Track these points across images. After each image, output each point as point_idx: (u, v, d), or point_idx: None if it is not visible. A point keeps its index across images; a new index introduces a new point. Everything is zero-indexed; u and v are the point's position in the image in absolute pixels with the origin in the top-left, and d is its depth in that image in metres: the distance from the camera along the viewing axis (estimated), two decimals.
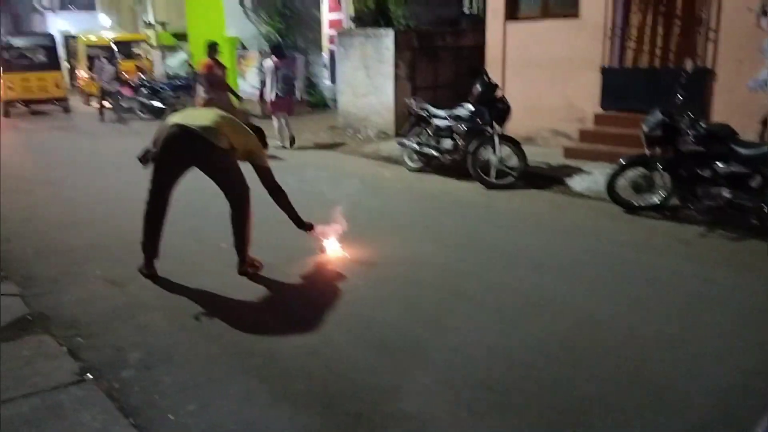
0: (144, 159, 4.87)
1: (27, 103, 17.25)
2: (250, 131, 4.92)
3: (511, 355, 3.68)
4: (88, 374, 3.46)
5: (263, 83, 11.08)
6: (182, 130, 4.57)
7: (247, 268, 4.94)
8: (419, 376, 3.46)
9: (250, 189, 4.85)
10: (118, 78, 15.00)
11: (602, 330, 3.97)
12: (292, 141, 11.04)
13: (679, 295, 4.50)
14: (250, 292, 4.65)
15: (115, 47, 18.53)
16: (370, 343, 3.84)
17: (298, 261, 5.22)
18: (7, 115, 16.84)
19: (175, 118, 4.72)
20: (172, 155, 4.65)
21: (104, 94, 15.05)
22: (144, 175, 4.87)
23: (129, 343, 3.86)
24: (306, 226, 5.24)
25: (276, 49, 11.32)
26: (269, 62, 11.01)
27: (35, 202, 7.53)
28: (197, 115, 4.77)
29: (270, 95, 10.92)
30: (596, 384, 3.34)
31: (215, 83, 10.42)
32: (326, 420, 3.06)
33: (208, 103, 9.90)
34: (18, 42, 17.72)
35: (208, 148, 4.56)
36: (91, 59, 19.37)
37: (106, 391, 3.30)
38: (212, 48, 10.58)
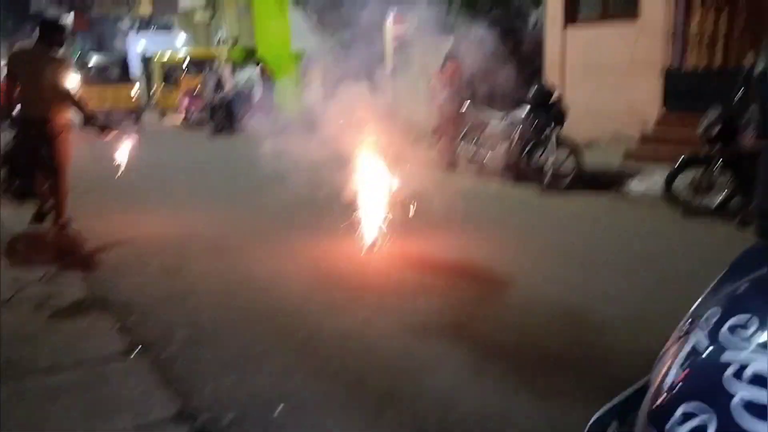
0: None
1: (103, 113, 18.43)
2: None
3: (551, 344, 3.65)
4: (137, 348, 3.64)
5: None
6: None
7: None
8: (454, 358, 3.47)
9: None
10: (219, 91, 15.67)
11: (647, 322, 3.87)
12: None
13: None
14: (297, 280, 4.77)
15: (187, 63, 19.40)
16: (410, 328, 3.87)
17: (346, 253, 5.33)
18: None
19: None
20: None
21: (212, 107, 15.62)
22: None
23: (178, 323, 4.03)
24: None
25: (261, 62, 14.90)
26: (257, 69, 14.43)
27: (102, 199, 7.94)
28: None
29: (257, 94, 14.29)
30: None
31: None
32: (357, 394, 3.13)
33: None
34: (95, 59, 19.17)
35: None
36: (166, 75, 20.32)
37: (151, 364, 3.46)
38: None
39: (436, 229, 5.99)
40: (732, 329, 0.85)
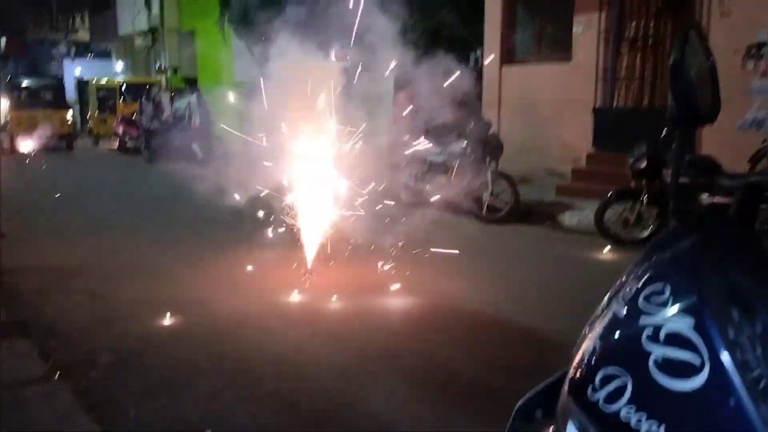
0: None
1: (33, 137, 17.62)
2: None
3: (479, 362, 3.67)
4: (57, 373, 3.46)
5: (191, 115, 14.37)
6: None
7: None
8: (390, 379, 3.44)
9: None
10: (157, 117, 15.39)
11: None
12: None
13: None
14: (230, 307, 4.66)
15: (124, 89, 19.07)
16: (345, 352, 3.83)
17: (279, 281, 5.25)
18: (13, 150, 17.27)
19: None
20: None
21: (148, 134, 15.32)
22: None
23: (102, 348, 3.87)
24: None
25: (199, 90, 15.09)
26: (195, 97, 14.51)
27: (29, 223, 7.62)
28: None
29: (195, 122, 14.11)
30: None
31: None
32: (291, 416, 3.06)
33: None
34: (27, 82, 18.44)
35: None
36: (101, 101, 19.86)
37: (71, 388, 3.30)
38: None
39: (373, 256, 5.99)
40: (648, 297, 0.88)
